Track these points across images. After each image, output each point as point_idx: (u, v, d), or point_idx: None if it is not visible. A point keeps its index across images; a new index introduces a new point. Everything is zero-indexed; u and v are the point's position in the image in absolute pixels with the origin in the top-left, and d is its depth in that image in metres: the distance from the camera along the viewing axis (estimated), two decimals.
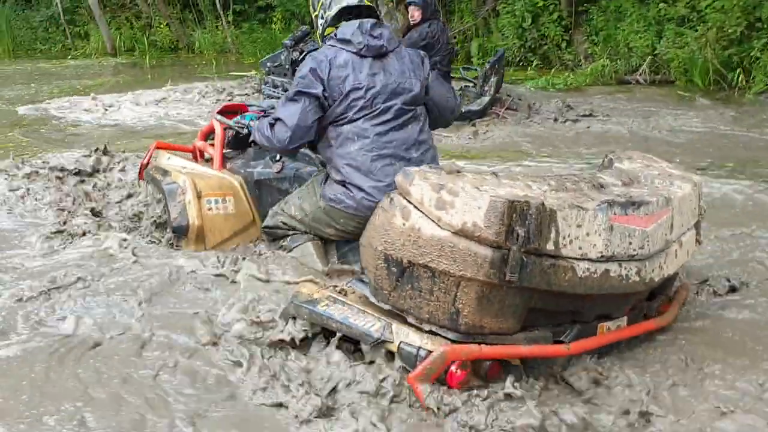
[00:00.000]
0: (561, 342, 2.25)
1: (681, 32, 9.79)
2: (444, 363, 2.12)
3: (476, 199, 2.05)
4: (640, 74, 10.19)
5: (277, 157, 3.47)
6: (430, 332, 2.20)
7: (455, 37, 12.43)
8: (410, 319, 2.24)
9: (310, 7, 3.39)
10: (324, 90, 2.95)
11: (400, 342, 2.22)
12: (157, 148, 3.86)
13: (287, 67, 4.18)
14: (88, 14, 16.38)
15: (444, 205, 2.09)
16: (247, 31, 15.33)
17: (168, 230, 3.39)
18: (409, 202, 2.16)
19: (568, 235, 2.11)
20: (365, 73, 2.97)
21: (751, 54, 8.86)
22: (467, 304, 2.12)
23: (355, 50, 2.98)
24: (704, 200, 2.72)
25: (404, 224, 2.16)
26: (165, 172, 3.52)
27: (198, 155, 3.89)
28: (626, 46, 10.46)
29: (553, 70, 11.16)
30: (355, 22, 3.04)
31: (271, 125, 3.00)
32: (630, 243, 2.19)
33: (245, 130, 3.43)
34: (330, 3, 3.16)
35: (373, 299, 2.33)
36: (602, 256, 2.15)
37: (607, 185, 2.34)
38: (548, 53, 11.71)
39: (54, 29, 17.09)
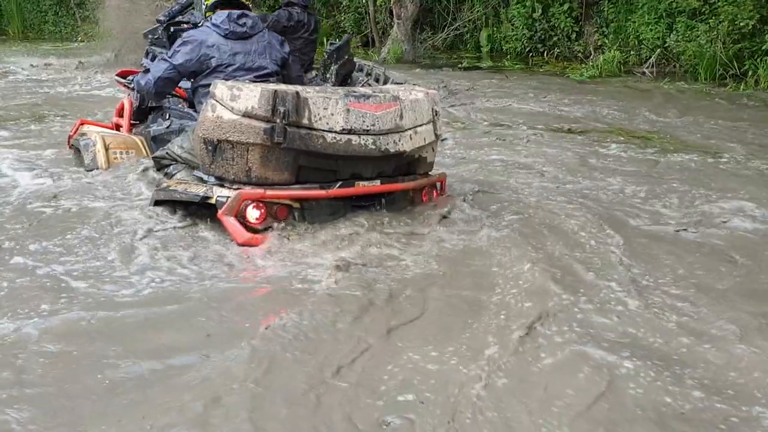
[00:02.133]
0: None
1: (692, 25, 9.72)
2: (239, 200, 3.22)
3: (253, 91, 3.19)
4: (647, 67, 10.13)
5: (166, 116, 4.61)
6: (237, 188, 3.30)
7: (465, 26, 12.77)
8: (226, 183, 3.35)
9: None
10: (191, 66, 4.07)
11: (217, 196, 3.32)
12: (81, 124, 5.00)
13: (164, 40, 5.12)
14: None
15: (234, 97, 3.22)
16: None
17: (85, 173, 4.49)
18: (216, 100, 3.29)
19: (318, 114, 3.24)
20: (228, 53, 4.11)
21: (763, 48, 8.79)
22: (255, 163, 3.24)
23: (222, 33, 4.14)
24: None
25: (213, 115, 3.28)
26: (83, 134, 4.66)
27: (117, 129, 5.03)
28: (636, 38, 10.42)
29: (565, 62, 11.23)
30: (226, 12, 4.20)
31: (144, 72, 4.13)
32: (363, 121, 3.31)
33: (132, 85, 4.57)
34: None
35: (203, 176, 3.44)
36: (344, 129, 3.28)
37: (357, 91, 3.48)
38: (558, 44, 11.69)
39: (63, 12, 16.95)
